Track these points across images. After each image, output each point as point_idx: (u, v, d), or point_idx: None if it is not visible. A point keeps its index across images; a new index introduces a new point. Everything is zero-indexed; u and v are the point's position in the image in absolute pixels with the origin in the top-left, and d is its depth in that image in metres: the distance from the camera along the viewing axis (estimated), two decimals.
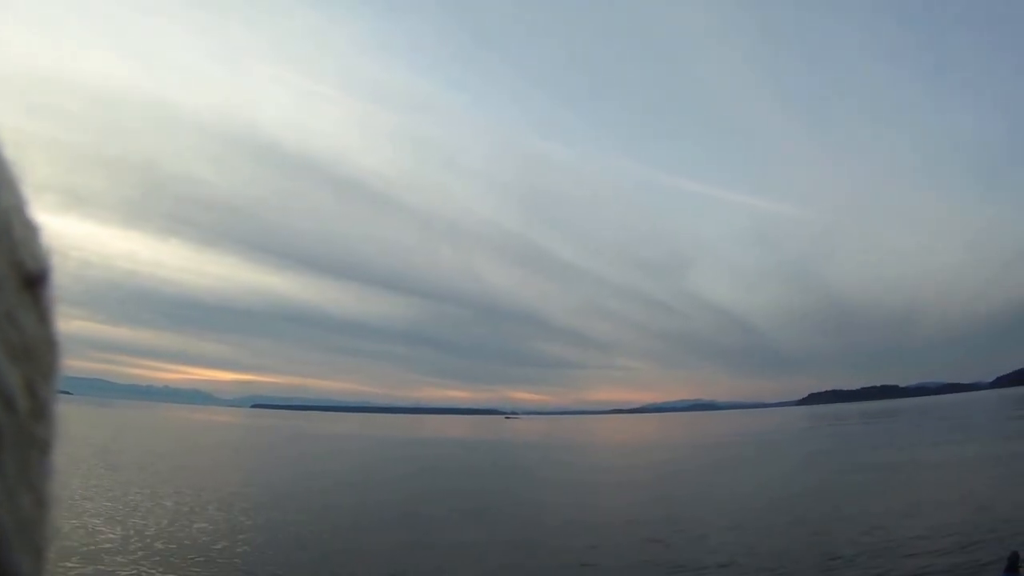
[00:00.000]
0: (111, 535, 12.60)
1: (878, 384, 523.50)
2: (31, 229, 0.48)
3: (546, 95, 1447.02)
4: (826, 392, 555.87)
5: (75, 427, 44.80)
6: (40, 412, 0.47)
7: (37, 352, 0.47)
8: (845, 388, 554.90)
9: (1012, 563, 10.12)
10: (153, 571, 10.22)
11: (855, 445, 34.49)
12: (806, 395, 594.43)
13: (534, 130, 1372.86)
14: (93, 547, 11.25)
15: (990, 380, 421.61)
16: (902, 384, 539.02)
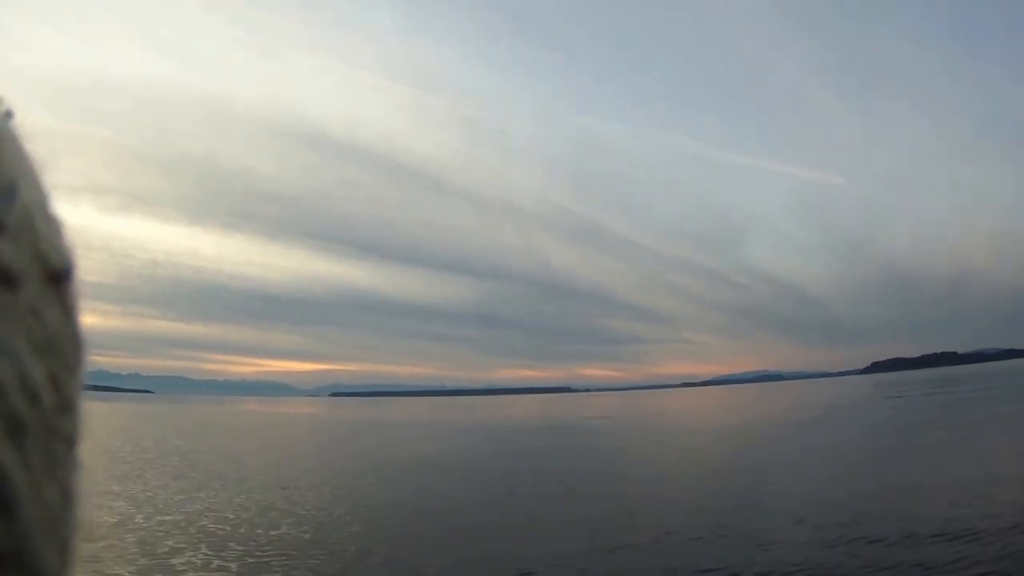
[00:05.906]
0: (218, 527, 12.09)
1: (937, 351, 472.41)
2: (54, 224, 0.49)
3: (585, 73, 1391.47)
4: (889, 360, 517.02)
5: (154, 425, 47.40)
6: (65, 406, 0.48)
7: (61, 346, 0.47)
8: (906, 356, 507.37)
9: None
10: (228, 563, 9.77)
11: (943, 414, 32.47)
12: (869, 364, 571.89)
13: (577, 108, 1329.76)
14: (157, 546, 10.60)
15: None
16: (960, 350, 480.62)
